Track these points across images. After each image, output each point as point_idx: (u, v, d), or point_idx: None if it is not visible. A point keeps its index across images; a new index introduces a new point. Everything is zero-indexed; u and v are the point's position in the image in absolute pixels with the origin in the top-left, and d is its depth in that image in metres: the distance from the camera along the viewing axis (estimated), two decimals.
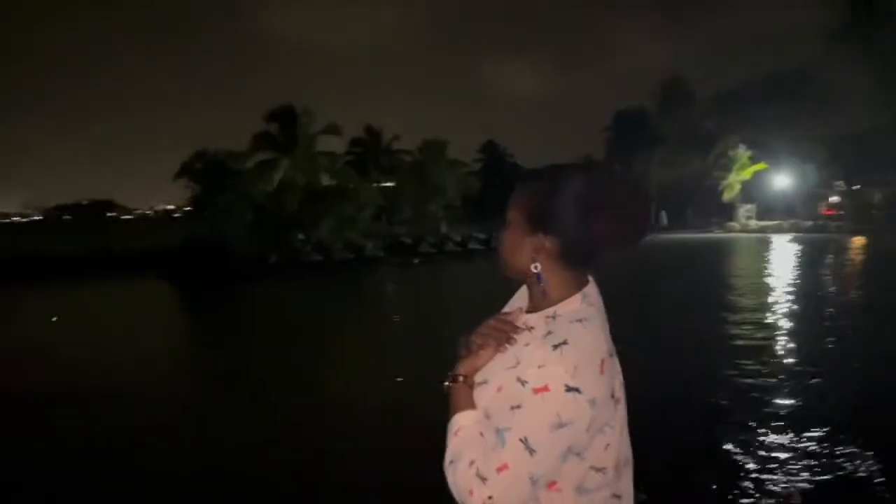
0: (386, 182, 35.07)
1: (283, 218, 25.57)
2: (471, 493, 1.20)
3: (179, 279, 21.73)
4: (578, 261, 1.34)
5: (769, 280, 17.40)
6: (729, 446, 5.25)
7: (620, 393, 1.31)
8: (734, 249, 28.47)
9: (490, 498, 1.18)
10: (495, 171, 64.96)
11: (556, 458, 1.21)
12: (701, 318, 11.58)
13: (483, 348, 1.34)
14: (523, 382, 1.22)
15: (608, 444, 1.28)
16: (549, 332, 1.26)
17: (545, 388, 1.20)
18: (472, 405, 1.31)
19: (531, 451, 1.19)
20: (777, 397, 6.63)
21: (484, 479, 1.19)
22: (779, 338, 9.83)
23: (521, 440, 1.19)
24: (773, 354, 8.67)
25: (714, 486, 4.59)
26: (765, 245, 28.67)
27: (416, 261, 26.25)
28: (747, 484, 4.58)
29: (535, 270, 1.33)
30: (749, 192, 38.95)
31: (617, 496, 1.31)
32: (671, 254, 25.81)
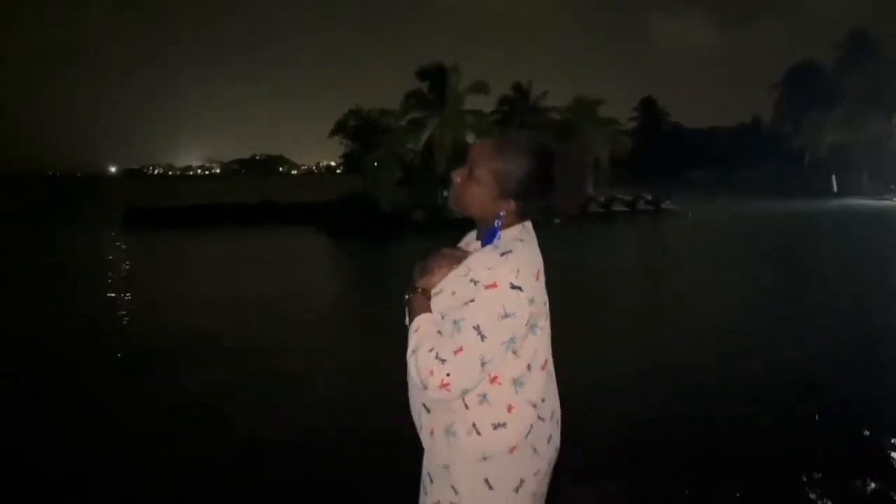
0: None
1: (430, 176, 26.30)
2: (431, 372, 1.47)
3: (334, 231, 23.29)
4: (531, 218, 1.68)
5: None
6: None
7: (547, 309, 1.64)
8: None
9: (448, 375, 1.46)
10: (652, 130, 62.37)
11: (501, 344, 1.49)
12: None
13: (438, 268, 1.64)
14: (475, 282, 1.52)
15: (536, 348, 1.59)
16: (496, 246, 1.58)
17: (494, 285, 1.49)
18: (428, 310, 1.60)
19: (482, 337, 1.47)
20: None
21: (443, 361, 1.47)
22: None
23: (474, 327, 1.48)
24: None
25: None
26: None
27: (556, 221, 26.03)
28: None
29: (497, 224, 1.63)
30: None
31: (543, 399, 1.62)
32: (838, 225, 23.74)
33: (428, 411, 1.60)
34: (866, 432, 4.79)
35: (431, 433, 1.61)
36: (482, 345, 1.47)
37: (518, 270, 1.51)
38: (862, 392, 5.74)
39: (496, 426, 1.55)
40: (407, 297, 1.66)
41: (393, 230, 22.95)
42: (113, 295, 11.85)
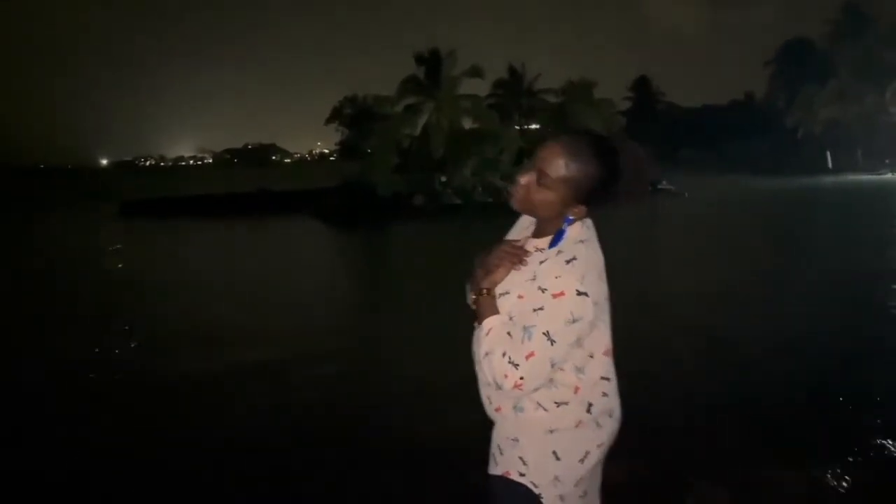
0: (529, 125, 34.81)
1: (427, 161, 26.31)
2: (506, 376, 1.58)
3: (330, 217, 23.32)
4: (593, 214, 1.75)
5: None
6: None
7: (608, 304, 1.72)
8: None
9: (521, 378, 1.57)
10: (646, 110, 62.20)
11: (569, 346, 1.60)
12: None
13: (499, 267, 1.71)
14: (543, 290, 1.61)
15: (599, 338, 1.69)
16: (560, 251, 1.66)
17: (561, 294, 1.58)
18: (496, 311, 1.69)
19: (552, 342, 1.57)
20: None
21: (516, 365, 1.57)
22: None
23: (544, 333, 1.57)
24: None
25: None
26: None
27: None
28: None
29: (566, 226, 1.70)
30: None
31: (606, 378, 1.73)
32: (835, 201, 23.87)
33: (498, 388, 1.65)
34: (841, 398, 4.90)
35: (498, 409, 1.73)
36: (552, 349, 1.57)
37: (583, 276, 1.60)
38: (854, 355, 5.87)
39: (559, 404, 1.66)
40: (473, 297, 1.74)
41: (392, 215, 22.99)
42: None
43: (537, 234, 1.77)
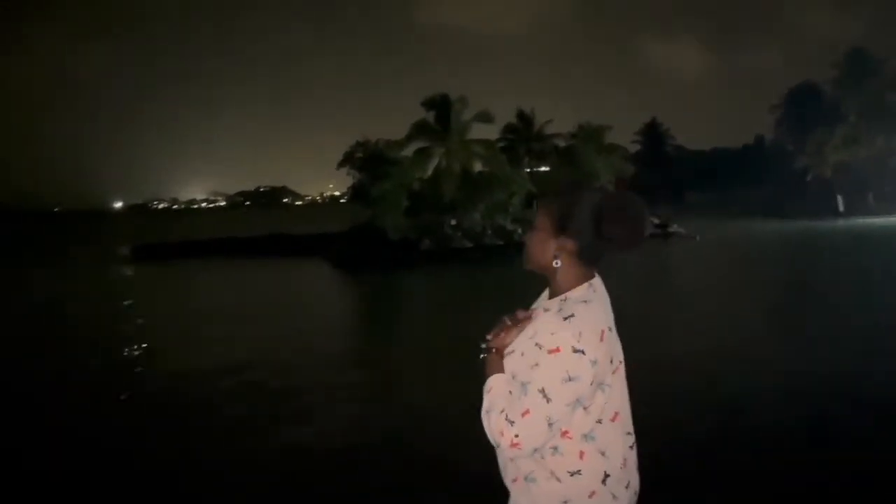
0: (539, 168, 35.02)
1: (437, 204, 26.42)
2: (502, 433, 1.57)
3: (340, 262, 23.37)
4: (591, 259, 1.70)
5: None
6: None
7: (618, 360, 1.69)
8: None
9: (517, 436, 1.55)
10: (656, 154, 62.60)
11: (567, 405, 1.56)
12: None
13: (512, 329, 1.71)
14: (540, 346, 1.59)
15: (605, 404, 1.64)
16: (560, 309, 1.63)
17: (557, 350, 1.56)
18: (502, 370, 1.69)
19: (547, 399, 1.54)
20: None
21: (512, 423, 1.56)
22: None
23: (539, 390, 1.55)
24: None
25: None
26: None
27: None
28: None
29: (556, 266, 1.69)
30: None
31: (620, 446, 1.68)
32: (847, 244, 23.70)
33: (512, 460, 1.68)
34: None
35: (514, 480, 1.70)
36: (548, 407, 1.54)
37: (580, 334, 1.56)
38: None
39: (573, 473, 1.62)
40: (482, 355, 1.75)
41: (401, 259, 23.00)
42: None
43: (549, 294, 1.78)
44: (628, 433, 1.72)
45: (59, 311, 14.98)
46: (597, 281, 1.72)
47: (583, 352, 1.55)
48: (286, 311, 14.16)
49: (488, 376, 1.69)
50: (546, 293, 1.84)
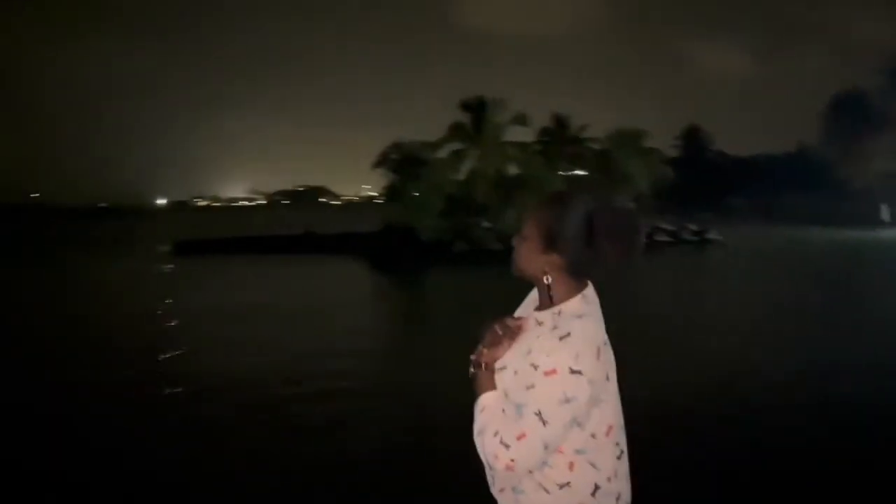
0: (573, 171, 34.83)
1: (470, 206, 26.53)
2: (496, 457, 1.52)
3: (374, 261, 23.65)
4: (581, 274, 1.65)
5: None
6: None
7: (612, 374, 1.63)
8: None
9: (512, 460, 1.51)
10: (695, 159, 61.66)
11: (563, 427, 1.52)
12: None
13: (499, 343, 1.65)
14: (535, 367, 1.53)
15: (601, 416, 1.60)
16: (556, 327, 1.58)
17: (553, 371, 1.51)
18: (493, 387, 1.63)
19: (544, 422, 1.50)
20: None
21: (507, 446, 1.51)
22: None
23: (535, 413, 1.50)
24: None
25: None
26: None
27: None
28: None
29: (546, 282, 1.64)
30: None
31: (612, 459, 1.64)
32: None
33: (491, 469, 1.63)
34: None
35: (502, 491, 1.67)
36: (544, 430, 1.50)
37: (578, 354, 1.51)
38: None
39: (562, 485, 1.58)
40: (472, 371, 1.69)
41: (433, 261, 23.19)
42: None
43: (539, 307, 1.70)
44: (617, 444, 1.66)
45: (93, 302, 15.47)
46: (590, 291, 1.67)
47: (580, 372, 1.50)
48: (325, 309, 14.39)
49: (479, 394, 1.64)
50: (534, 296, 1.78)
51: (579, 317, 1.58)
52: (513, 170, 28.54)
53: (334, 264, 23.70)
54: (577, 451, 1.58)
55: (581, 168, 34.55)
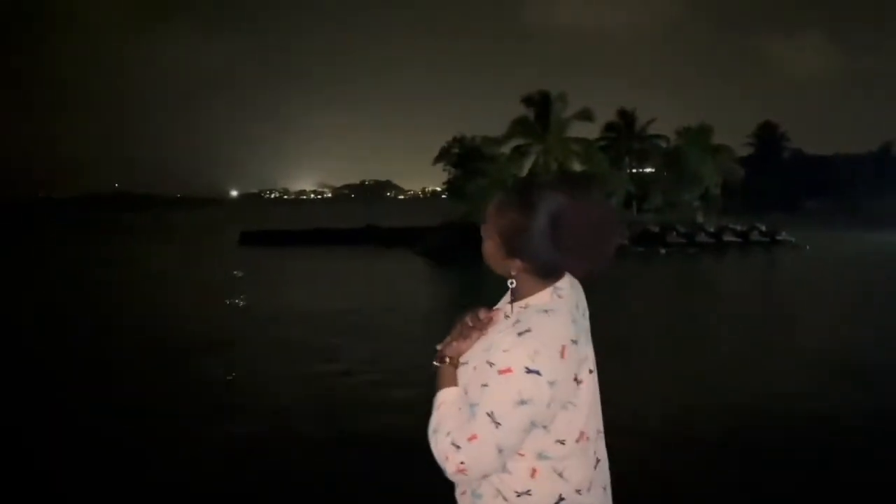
0: (640, 168, 34.11)
1: None
2: (447, 458, 1.40)
3: (433, 255, 23.72)
4: (549, 276, 1.49)
5: None
6: None
7: (585, 375, 1.46)
8: None
9: (462, 463, 1.39)
10: (769, 157, 59.30)
11: (519, 430, 1.38)
12: None
13: (468, 334, 1.51)
14: (491, 364, 1.39)
15: (570, 420, 1.43)
16: (518, 321, 1.43)
17: (508, 370, 1.36)
18: (454, 383, 1.50)
19: (497, 424, 1.37)
20: None
21: (458, 448, 1.39)
22: None
23: (487, 414, 1.37)
24: None
25: None
26: None
27: (662, 251, 25.34)
28: None
29: (511, 285, 1.51)
30: None
31: (584, 468, 1.48)
32: None
33: (443, 470, 1.48)
34: None
35: (463, 493, 1.55)
36: (497, 432, 1.37)
37: (536, 352, 1.37)
38: None
39: (520, 493, 1.45)
40: (434, 363, 1.55)
41: None
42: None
43: (512, 299, 1.54)
44: (594, 452, 1.51)
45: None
46: (564, 283, 1.51)
47: (538, 372, 1.35)
48: (389, 300, 14.52)
49: (438, 389, 1.51)
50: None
51: (546, 311, 1.43)
52: (576, 166, 28.15)
53: (393, 257, 23.90)
54: (541, 457, 1.44)
55: (649, 165, 33.80)
